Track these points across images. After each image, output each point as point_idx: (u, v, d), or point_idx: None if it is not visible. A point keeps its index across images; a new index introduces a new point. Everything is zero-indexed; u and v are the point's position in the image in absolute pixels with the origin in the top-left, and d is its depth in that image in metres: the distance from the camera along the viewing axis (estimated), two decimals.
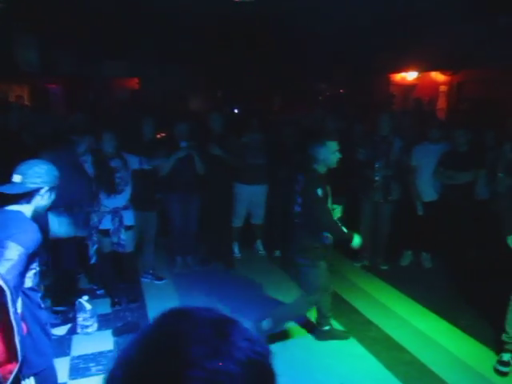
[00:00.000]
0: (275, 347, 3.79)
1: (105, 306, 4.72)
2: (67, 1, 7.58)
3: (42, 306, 2.44)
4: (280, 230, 6.27)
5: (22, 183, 2.37)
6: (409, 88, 10.48)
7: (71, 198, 4.49)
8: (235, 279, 5.49)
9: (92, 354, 3.86)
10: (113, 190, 4.57)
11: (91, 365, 3.72)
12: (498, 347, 3.94)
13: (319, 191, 3.72)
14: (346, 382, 3.59)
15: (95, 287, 5.04)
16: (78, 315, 4.21)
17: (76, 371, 3.65)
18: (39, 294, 2.43)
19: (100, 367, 3.66)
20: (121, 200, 4.65)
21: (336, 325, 4.40)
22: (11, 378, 2.12)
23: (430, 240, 5.74)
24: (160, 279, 5.42)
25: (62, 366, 3.51)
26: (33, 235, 2.25)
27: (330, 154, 3.84)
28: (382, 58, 9.31)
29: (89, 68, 11.02)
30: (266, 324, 3.92)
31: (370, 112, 8.19)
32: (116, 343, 4.06)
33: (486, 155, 5.43)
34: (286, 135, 6.05)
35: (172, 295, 5.03)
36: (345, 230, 3.84)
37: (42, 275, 2.51)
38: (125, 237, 4.65)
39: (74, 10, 7.95)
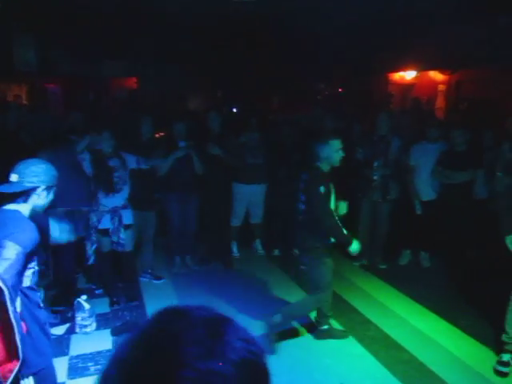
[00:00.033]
0: (274, 347, 3.80)
1: (103, 306, 4.72)
2: (66, 0, 7.57)
3: (41, 305, 2.44)
4: (279, 230, 6.28)
5: (18, 182, 2.37)
6: (407, 87, 10.49)
7: (70, 198, 4.49)
8: (234, 279, 5.49)
9: (91, 354, 3.86)
10: (111, 189, 4.57)
11: (90, 364, 3.72)
12: (497, 347, 3.95)
13: (322, 189, 3.74)
14: (345, 381, 3.60)
15: (94, 287, 5.04)
16: (76, 315, 4.21)
17: (74, 371, 3.65)
18: (38, 294, 2.43)
19: (99, 367, 3.66)
20: (119, 199, 4.65)
21: (335, 324, 4.40)
22: (11, 376, 2.12)
23: (428, 239, 5.75)
24: (159, 279, 5.42)
25: (60, 365, 3.51)
26: (30, 234, 2.25)
27: (332, 152, 3.86)
28: (380, 58, 9.32)
29: (87, 68, 11.02)
30: (276, 319, 3.94)
31: (368, 111, 8.20)
32: (115, 343, 4.06)
33: (484, 155, 5.44)
34: (285, 135, 6.06)
35: (171, 295, 5.03)
36: (345, 231, 3.84)
37: (40, 275, 2.50)
38: (124, 236, 4.65)
39: (72, 9, 7.93)
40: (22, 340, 2.11)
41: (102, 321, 4.42)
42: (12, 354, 2.11)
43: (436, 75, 9.73)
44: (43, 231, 2.52)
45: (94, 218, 4.58)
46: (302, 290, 5.19)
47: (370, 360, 3.91)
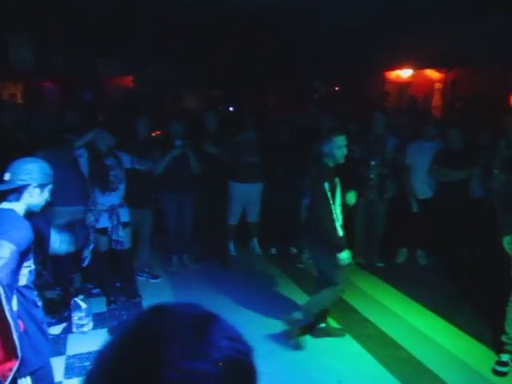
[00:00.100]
0: (271, 346, 3.81)
1: (100, 305, 4.71)
2: None
3: (39, 304, 2.43)
4: (276, 228, 6.29)
5: (10, 180, 2.37)
6: (404, 86, 10.49)
7: (67, 197, 4.48)
8: (231, 277, 5.49)
9: (87, 353, 3.85)
10: (107, 188, 4.56)
11: (87, 364, 3.70)
12: (494, 345, 3.96)
13: (326, 185, 3.76)
14: (342, 379, 3.60)
15: (91, 286, 5.03)
16: (73, 314, 4.20)
17: (71, 370, 3.64)
18: (35, 292, 2.42)
19: None
20: (116, 198, 4.65)
21: (332, 322, 4.40)
22: (11, 375, 2.11)
23: (425, 237, 5.76)
24: (156, 278, 5.42)
25: (57, 365, 3.49)
26: (25, 232, 2.24)
27: (335, 148, 3.88)
28: (377, 56, 9.32)
29: (84, 66, 10.98)
30: (296, 315, 3.98)
31: (365, 110, 8.20)
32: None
33: (480, 153, 5.45)
34: (281, 134, 6.06)
35: (168, 294, 5.02)
36: (341, 233, 3.83)
37: (37, 274, 2.50)
38: (123, 234, 4.65)
39: (68, 8, 7.91)
40: (19, 339, 2.11)
41: (99, 320, 4.41)
42: (10, 353, 2.10)
43: (432, 73, 9.73)
44: (44, 240, 2.52)
45: (91, 218, 4.56)
46: (300, 288, 5.20)
47: (367, 358, 3.91)
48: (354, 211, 5.71)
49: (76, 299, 4.24)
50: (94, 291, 4.96)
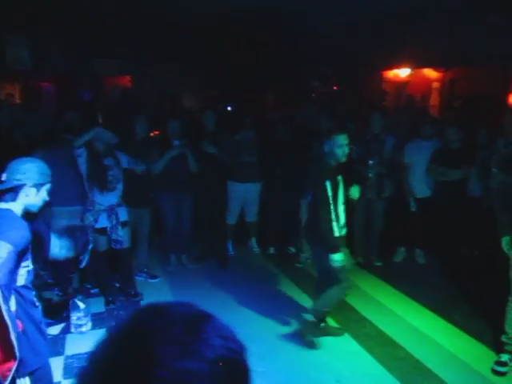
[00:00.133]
0: (269, 345, 3.81)
1: (99, 305, 4.70)
2: None
3: (37, 304, 2.43)
4: (274, 228, 6.28)
5: (6, 180, 2.37)
6: (402, 85, 10.50)
7: (65, 197, 4.48)
8: (230, 277, 5.49)
9: (86, 354, 3.81)
10: (106, 188, 4.55)
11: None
12: (493, 344, 3.97)
13: (328, 183, 3.77)
14: (341, 378, 3.60)
15: (89, 286, 5.02)
16: (71, 314, 4.20)
17: (70, 371, 3.63)
18: (33, 293, 2.42)
19: None
20: (114, 197, 4.65)
21: (330, 321, 4.40)
22: (10, 375, 2.11)
23: (423, 236, 5.76)
24: (154, 277, 5.41)
25: (55, 365, 3.49)
26: (22, 232, 2.24)
27: (335, 147, 3.88)
28: (375, 56, 9.32)
29: (81, 66, 10.96)
30: (307, 316, 4.05)
31: (362, 109, 8.21)
32: None
33: (478, 152, 5.45)
34: (279, 133, 6.05)
35: (166, 293, 5.02)
36: (337, 234, 3.83)
37: (35, 274, 2.49)
38: (122, 233, 4.65)
39: (66, 7, 7.89)
40: (17, 339, 2.10)
41: (98, 320, 4.41)
42: (9, 354, 2.10)
43: (430, 73, 9.74)
44: (44, 245, 2.52)
45: (90, 218, 4.56)
46: (298, 288, 5.21)
47: (365, 357, 3.92)
48: (353, 210, 5.73)
49: (74, 299, 4.23)
50: (93, 291, 4.96)
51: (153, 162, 5.23)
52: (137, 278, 5.32)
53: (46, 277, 4.94)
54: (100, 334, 0.65)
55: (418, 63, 9.30)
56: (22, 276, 2.30)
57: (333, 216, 3.81)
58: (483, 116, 6.94)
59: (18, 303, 2.26)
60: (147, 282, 5.30)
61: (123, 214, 4.71)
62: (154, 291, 5.07)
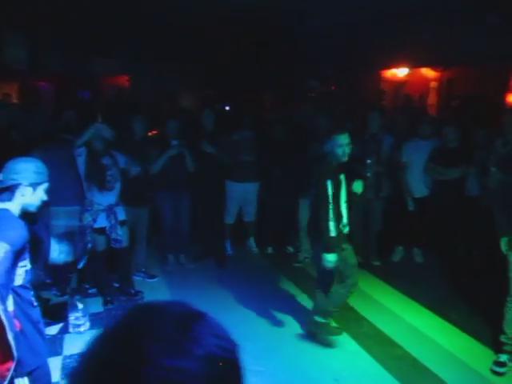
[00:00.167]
0: (267, 344, 3.82)
1: (97, 305, 4.70)
2: None
3: (35, 304, 2.43)
4: (273, 228, 6.29)
5: (2, 180, 2.37)
6: (399, 84, 10.50)
7: (64, 197, 4.47)
8: (228, 277, 5.48)
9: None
10: (104, 187, 4.55)
11: None
12: (491, 343, 3.97)
13: (329, 183, 3.78)
14: (339, 377, 3.60)
15: (87, 286, 5.02)
16: (70, 314, 4.19)
17: (68, 371, 3.63)
18: (31, 292, 2.41)
19: None
20: (113, 197, 4.64)
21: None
22: (9, 375, 2.11)
23: (421, 235, 5.77)
24: (152, 277, 5.41)
25: (54, 365, 3.48)
26: (19, 232, 2.24)
27: (335, 147, 3.89)
28: (373, 55, 9.33)
29: (79, 66, 10.93)
30: (317, 319, 4.05)
31: (360, 108, 8.20)
32: None
33: (476, 152, 5.46)
34: (277, 133, 6.06)
35: (164, 293, 5.01)
36: (333, 233, 3.83)
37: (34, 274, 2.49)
38: (121, 232, 4.65)
39: (65, 7, 7.88)
40: (15, 339, 2.10)
41: (96, 320, 4.40)
42: (7, 354, 2.10)
43: (428, 72, 9.74)
44: (44, 250, 2.52)
45: (89, 218, 4.55)
46: (297, 287, 5.21)
47: (364, 356, 3.92)
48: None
49: (73, 299, 4.23)
50: (91, 291, 4.95)
51: (151, 161, 5.23)
52: (135, 277, 5.32)
53: (43, 276, 4.92)
54: None
55: (415, 63, 9.30)
56: (20, 276, 2.30)
57: (331, 215, 3.81)
58: (481, 115, 6.95)
59: (15, 303, 2.25)
60: (145, 282, 5.30)
61: (121, 214, 4.71)
62: (152, 291, 5.06)
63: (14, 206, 2.38)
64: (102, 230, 4.61)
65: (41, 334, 2.43)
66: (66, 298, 4.68)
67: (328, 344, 4.04)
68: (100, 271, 4.82)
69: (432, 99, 9.79)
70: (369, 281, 5.42)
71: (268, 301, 4.83)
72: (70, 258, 3.01)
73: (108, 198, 4.60)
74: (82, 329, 4.18)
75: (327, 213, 3.80)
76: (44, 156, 3.58)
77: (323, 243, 3.85)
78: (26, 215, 2.44)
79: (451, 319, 4.48)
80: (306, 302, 4.80)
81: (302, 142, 5.74)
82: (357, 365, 3.80)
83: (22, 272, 2.32)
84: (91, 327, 4.26)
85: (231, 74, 10.88)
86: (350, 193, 4.07)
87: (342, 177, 3.96)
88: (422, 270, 5.72)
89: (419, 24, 7.85)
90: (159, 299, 0.77)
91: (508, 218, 3.72)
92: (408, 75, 10.06)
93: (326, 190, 3.78)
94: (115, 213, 4.62)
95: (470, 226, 5.36)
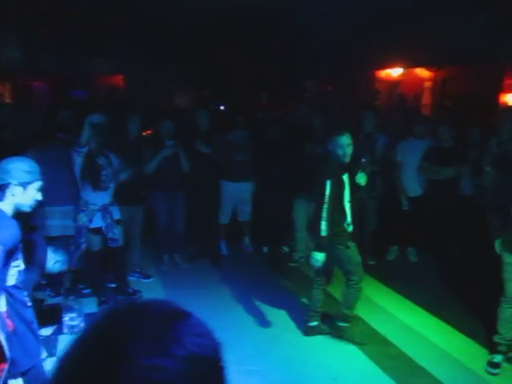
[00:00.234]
0: (263, 344, 3.82)
1: (92, 306, 4.68)
2: None
3: (28, 304, 2.41)
4: (268, 227, 6.28)
5: None
6: (394, 84, 10.53)
7: (58, 197, 4.46)
8: (223, 276, 5.48)
9: None
10: (99, 187, 4.53)
11: None
12: (486, 342, 3.98)
13: (329, 183, 3.79)
14: (334, 376, 3.61)
15: (82, 286, 5.00)
16: (64, 315, 4.17)
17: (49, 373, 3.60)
18: (24, 293, 2.40)
19: None
20: (107, 197, 4.63)
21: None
22: (3, 376, 2.10)
23: (415, 235, 5.79)
24: (147, 277, 5.39)
25: (48, 366, 3.47)
26: (11, 231, 2.23)
27: (336, 148, 3.90)
28: (368, 55, 9.35)
29: (74, 65, 10.89)
30: (341, 324, 4.11)
31: (355, 108, 8.22)
32: None
33: (470, 151, 5.49)
34: (272, 133, 6.06)
35: (159, 293, 5.00)
36: (324, 233, 3.84)
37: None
38: (117, 231, 4.64)
39: (59, 6, 7.85)
40: (8, 339, 2.09)
41: (91, 321, 4.37)
42: (2, 355, 2.08)
43: (422, 72, 9.78)
44: (41, 261, 2.51)
45: (84, 218, 4.53)
46: (292, 287, 5.21)
47: (358, 355, 3.93)
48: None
49: (67, 300, 4.21)
50: (85, 291, 4.93)
51: (145, 161, 5.22)
52: (130, 278, 5.31)
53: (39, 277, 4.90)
54: None
55: (410, 63, 9.34)
56: (13, 276, 2.29)
57: (324, 215, 3.82)
58: (474, 115, 6.99)
59: (8, 303, 2.24)
60: (140, 282, 5.28)
61: (116, 213, 4.69)
62: (147, 291, 5.04)
63: (6, 205, 2.36)
64: (97, 230, 4.59)
65: (34, 334, 2.42)
66: (60, 298, 4.66)
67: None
68: (95, 271, 4.80)
69: (426, 99, 9.83)
70: (363, 280, 5.42)
71: (263, 300, 4.83)
72: (64, 267, 3.01)
73: (103, 198, 4.59)
74: (76, 330, 4.16)
75: (321, 212, 3.82)
76: (38, 156, 3.56)
77: (315, 242, 3.88)
78: (22, 217, 2.43)
79: (446, 318, 4.50)
80: (301, 301, 4.80)
81: (297, 142, 5.74)
82: (352, 364, 3.81)
83: (15, 272, 2.30)
84: None
85: (227, 74, 10.88)
86: (353, 192, 4.08)
87: (346, 177, 3.96)
88: (416, 270, 5.74)
89: (413, 24, 7.87)
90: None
91: (501, 219, 3.73)
92: (402, 75, 10.09)
93: (324, 189, 3.79)
94: (110, 212, 4.61)
95: (464, 226, 5.38)
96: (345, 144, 3.90)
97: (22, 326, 2.32)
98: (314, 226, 3.89)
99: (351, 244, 4.04)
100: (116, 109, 7.63)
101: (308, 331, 4.23)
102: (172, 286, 5.21)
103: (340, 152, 3.90)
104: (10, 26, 9.50)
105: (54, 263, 2.89)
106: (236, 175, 5.92)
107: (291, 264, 5.87)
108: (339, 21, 7.94)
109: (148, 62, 11.09)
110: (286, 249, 6.25)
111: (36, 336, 2.45)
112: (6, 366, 2.11)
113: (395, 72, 10.10)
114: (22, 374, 2.29)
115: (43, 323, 4.17)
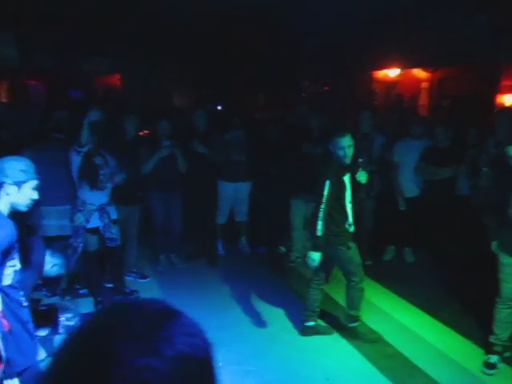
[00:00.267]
0: (259, 344, 3.82)
1: (88, 306, 4.66)
2: None
3: (24, 304, 2.40)
4: (264, 227, 6.28)
5: None
6: (391, 85, 10.55)
7: (55, 197, 4.45)
8: (220, 276, 5.48)
9: None
10: (96, 187, 4.52)
11: None
12: (482, 341, 3.99)
13: (328, 183, 3.80)
14: (330, 376, 3.61)
15: (78, 286, 4.98)
16: (60, 315, 4.16)
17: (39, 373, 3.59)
18: (20, 293, 2.39)
19: None
20: (105, 196, 4.62)
21: (319, 320, 4.41)
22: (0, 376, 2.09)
23: (412, 235, 5.79)
24: (144, 277, 5.39)
25: (43, 367, 3.47)
26: (6, 230, 2.22)
27: (336, 149, 3.90)
28: (365, 56, 9.36)
29: (72, 65, 10.86)
30: (348, 322, 4.17)
31: (352, 109, 8.23)
32: None
33: (467, 151, 5.50)
34: (270, 133, 6.06)
35: (156, 293, 4.99)
36: (320, 233, 3.84)
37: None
38: (114, 230, 4.63)
39: (57, 5, 7.83)
40: (4, 339, 2.08)
41: (81, 320, 4.36)
42: None
43: (419, 73, 9.79)
44: (39, 263, 2.50)
45: (81, 218, 4.52)
46: (288, 287, 5.21)
47: (355, 355, 3.93)
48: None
49: (63, 300, 4.20)
50: (82, 292, 4.92)
51: (142, 161, 5.21)
52: (127, 278, 5.30)
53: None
54: None
55: (407, 63, 9.36)
56: (9, 275, 2.28)
57: (321, 215, 3.82)
58: (471, 115, 7.00)
59: (4, 303, 2.23)
60: (137, 282, 5.27)
61: (113, 213, 4.69)
62: (144, 291, 5.04)
63: (2, 205, 2.36)
64: (95, 230, 4.58)
65: (30, 334, 2.41)
66: (56, 298, 4.64)
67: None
68: (92, 271, 4.79)
69: (423, 99, 9.85)
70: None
71: (260, 300, 4.83)
72: (62, 271, 3.00)
73: (100, 198, 4.57)
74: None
75: (318, 211, 3.82)
76: (34, 155, 3.55)
77: (312, 241, 3.88)
78: (18, 217, 2.42)
79: (442, 318, 4.51)
80: (297, 301, 4.80)
81: (294, 142, 5.74)
82: (348, 363, 3.81)
83: (11, 272, 2.29)
84: None
85: (226, 73, 10.87)
86: (354, 192, 4.08)
87: (347, 177, 3.96)
88: (413, 270, 5.75)
89: (410, 25, 7.89)
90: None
91: (497, 220, 3.74)
92: (399, 76, 10.11)
93: (323, 189, 3.79)
94: (108, 212, 4.60)
95: (461, 226, 5.39)
96: (346, 145, 3.90)
97: (18, 326, 2.31)
98: (311, 226, 3.90)
99: (352, 245, 4.06)
100: (113, 108, 7.61)
101: (305, 331, 4.23)
102: (169, 285, 5.20)
103: (341, 153, 3.90)
104: (7, 25, 9.47)
105: (52, 267, 2.88)
106: (233, 175, 5.92)
107: (288, 264, 5.87)
108: (339, 21, 7.94)
109: (147, 62, 11.07)
110: (282, 249, 6.25)
111: (32, 336, 2.44)
112: (1, 367, 2.10)
113: (392, 72, 10.12)
114: (18, 375, 2.29)
115: (39, 323, 4.18)
